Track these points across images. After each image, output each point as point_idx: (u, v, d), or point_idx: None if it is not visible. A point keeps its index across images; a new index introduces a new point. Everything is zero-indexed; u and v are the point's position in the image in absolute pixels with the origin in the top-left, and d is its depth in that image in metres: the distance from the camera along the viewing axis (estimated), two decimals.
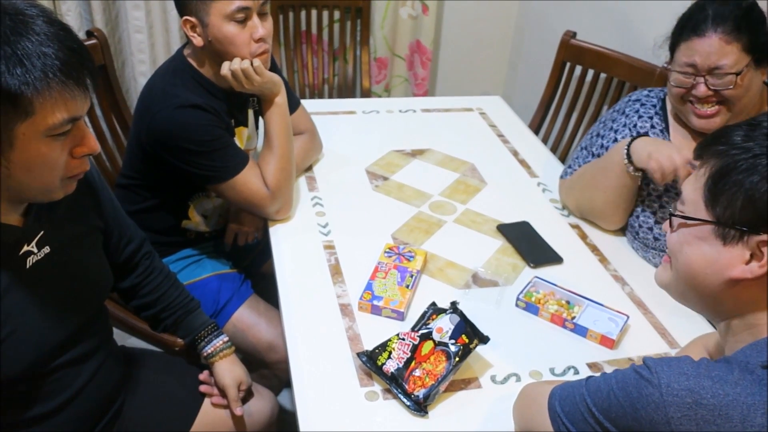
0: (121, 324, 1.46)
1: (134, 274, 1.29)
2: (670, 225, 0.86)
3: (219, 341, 1.32)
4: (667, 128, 1.46)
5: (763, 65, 1.30)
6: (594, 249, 1.52)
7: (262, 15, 1.40)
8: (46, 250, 1.03)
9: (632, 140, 1.40)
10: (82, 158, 0.95)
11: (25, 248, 1.00)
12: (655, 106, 1.49)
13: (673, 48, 1.36)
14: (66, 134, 0.89)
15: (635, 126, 1.48)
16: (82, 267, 1.12)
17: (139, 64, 2.51)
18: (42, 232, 1.03)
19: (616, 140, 1.50)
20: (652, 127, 1.47)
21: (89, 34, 1.79)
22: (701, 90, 1.30)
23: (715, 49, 1.27)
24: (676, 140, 1.44)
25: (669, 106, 1.47)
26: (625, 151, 1.40)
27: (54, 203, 1.02)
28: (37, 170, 0.90)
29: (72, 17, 2.32)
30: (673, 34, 1.37)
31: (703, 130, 1.35)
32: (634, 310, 1.34)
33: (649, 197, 1.47)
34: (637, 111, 1.50)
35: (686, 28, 1.32)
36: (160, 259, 1.35)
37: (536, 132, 2.20)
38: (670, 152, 1.32)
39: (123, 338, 1.46)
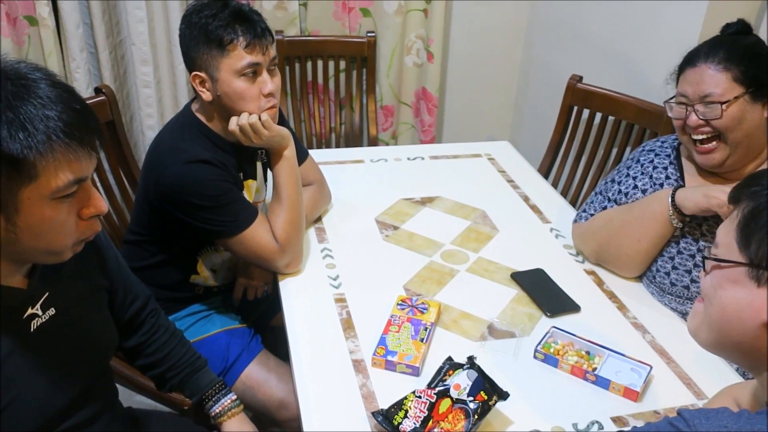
0: (128, 382, 1.43)
1: (139, 333, 1.26)
2: (704, 268, 0.84)
3: (227, 400, 1.29)
4: (682, 177, 1.45)
5: (762, 99, 1.30)
6: (611, 296, 1.48)
7: (270, 70, 1.41)
8: (51, 311, 1.01)
9: (674, 190, 1.38)
10: (91, 219, 0.93)
11: (30, 311, 0.97)
12: (669, 156, 1.49)
13: (676, 84, 1.39)
14: (72, 196, 0.88)
15: (651, 177, 1.48)
16: (87, 328, 1.09)
17: (147, 119, 2.53)
18: (47, 294, 1.00)
19: (635, 186, 1.49)
20: (667, 177, 1.46)
21: (97, 90, 1.80)
22: (692, 119, 1.33)
23: (704, 77, 1.30)
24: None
25: (684, 153, 1.46)
26: (670, 201, 1.38)
27: (59, 263, 1.00)
28: (45, 234, 0.88)
29: (81, 74, 2.35)
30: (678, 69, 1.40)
31: (705, 166, 1.37)
32: (657, 360, 1.29)
33: (668, 243, 1.44)
34: (652, 161, 1.50)
35: (684, 62, 1.36)
36: (165, 317, 1.33)
37: (545, 176, 2.18)
38: (722, 188, 1.30)
39: (129, 396, 1.42)
